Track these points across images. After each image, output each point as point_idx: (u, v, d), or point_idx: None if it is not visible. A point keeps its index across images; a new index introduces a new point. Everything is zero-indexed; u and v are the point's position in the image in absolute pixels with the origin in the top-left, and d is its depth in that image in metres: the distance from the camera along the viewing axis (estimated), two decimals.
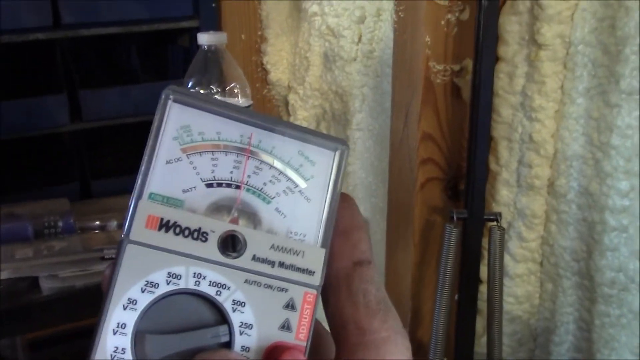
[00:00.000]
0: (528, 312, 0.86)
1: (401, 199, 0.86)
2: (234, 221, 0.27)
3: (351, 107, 1.13)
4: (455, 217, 0.78)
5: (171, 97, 0.27)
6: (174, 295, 0.26)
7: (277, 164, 0.28)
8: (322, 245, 0.28)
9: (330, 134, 1.20)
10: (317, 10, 1.13)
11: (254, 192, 0.27)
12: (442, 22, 0.77)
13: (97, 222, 1.04)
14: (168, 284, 0.25)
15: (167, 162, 0.27)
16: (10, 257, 0.93)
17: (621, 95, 0.71)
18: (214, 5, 1.18)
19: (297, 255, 0.27)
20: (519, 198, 0.83)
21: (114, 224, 1.05)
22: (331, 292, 0.28)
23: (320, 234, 0.28)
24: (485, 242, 0.82)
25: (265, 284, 0.27)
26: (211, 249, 0.26)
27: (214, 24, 1.19)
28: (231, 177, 0.27)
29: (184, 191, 0.27)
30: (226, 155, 0.27)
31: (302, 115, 1.23)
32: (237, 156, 0.27)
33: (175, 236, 0.26)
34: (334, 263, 0.28)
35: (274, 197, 0.28)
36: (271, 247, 0.27)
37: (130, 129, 1.18)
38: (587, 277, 0.78)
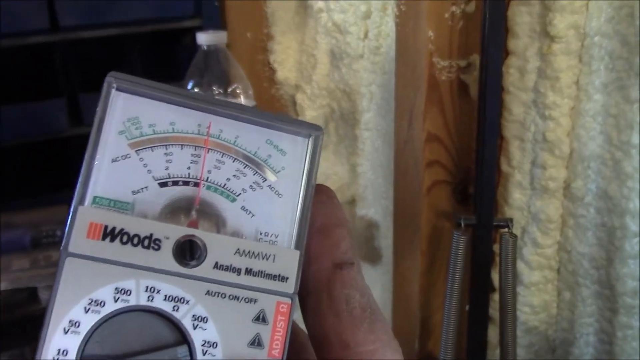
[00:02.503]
0: (545, 323, 0.81)
1: (407, 204, 0.81)
2: (193, 224, 0.23)
3: (359, 106, 1.08)
4: (463, 224, 0.73)
5: (114, 85, 0.23)
6: (124, 313, 0.22)
7: (242, 155, 0.24)
8: (297, 247, 0.24)
9: (338, 130, 1.16)
10: (322, 7, 1.09)
11: (215, 190, 0.24)
12: (447, 15, 0.72)
13: None
14: (116, 301, 0.22)
15: (113, 160, 0.23)
16: (6, 268, 0.91)
17: None
18: (216, 3, 1.14)
19: (267, 259, 0.23)
20: (533, 201, 0.77)
21: None
22: (309, 299, 0.24)
23: (294, 233, 0.24)
24: (497, 247, 0.77)
25: (230, 295, 0.23)
26: (165, 258, 0.22)
27: (218, 23, 1.15)
28: (189, 174, 0.24)
29: (134, 192, 0.23)
30: (182, 148, 0.24)
31: (310, 115, 1.19)
32: (195, 149, 0.24)
33: (122, 245, 0.22)
34: (312, 265, 0.24)
35: (239, 194, 0.24)
36: (236, 252, 0.23)
37: None
38: (607, 286, 0.73)
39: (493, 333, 0.83)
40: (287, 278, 0.24)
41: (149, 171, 0.24)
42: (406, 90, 0.76)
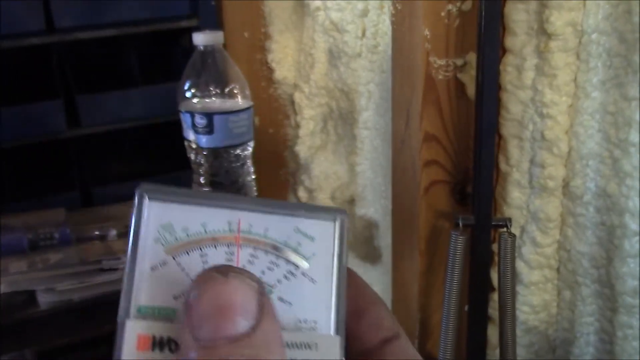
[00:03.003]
0: (545, 322, 0.80)
1: (405, 204, 0.81)
2: None
3: (357, 105, 1.08)
4: (461, 224, 0.72)
5: (145, 195, 0.24)
6: None
7: (273, 247, 0.25)
8: (337, 332, 0.24)
9: (337, 129, 1.15)
10: (320, 5, 1.08)
11: None
12: (443, 14, 0.72)
13: (96, 232, 1.01)
14: None
15: (152, 269, 0.24)
16: (4, 270, 0.91)
17: (639, 87, 0.64)
18: (213, 3, 1.14)
19: (310, 348, 0.24)
20: (531, 200, 0.77)
21: (113, 233, 1.01)
22: None
23: (332, 318, 0.24)
24: (496, 247, 0.76)
25: None
26: None
27: (215, 22, 1.15)
28: None
29: (176, 297, 0.24)
30: (216, 248, 0.24)
31: (309, 114, 1.19)
32: (228, 247, 0.24)
33: (171, 353, 0.22)
34: (359, 347, 0.24)
35: (275, 286, 0.24)
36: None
37: (130, 133, 1.15)
38: (607, 285, 0.72)
39: (493, 333, 0.82)
40: None
41: (187, 275, 0.24)
42: (403, 90, 0.76)
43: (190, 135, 0.97)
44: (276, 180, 1.27)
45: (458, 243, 0.71)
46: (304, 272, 0.25)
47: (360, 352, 0.24)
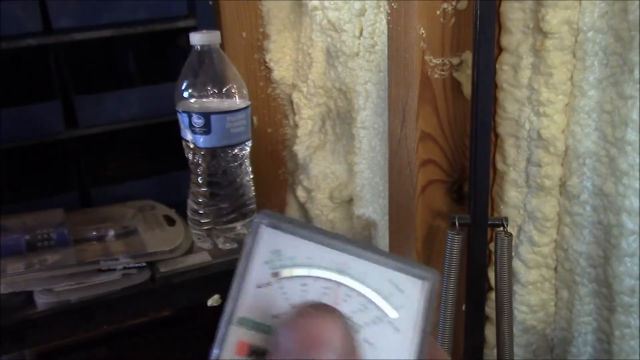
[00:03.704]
0: (543, 322, 0.80)
1: (402, 203, 0.81)
2: None
3: (355, 104, 1.08)
4: (457, 223, 0.72)
5: (264, 221, 0.27)
6: None
7: (367, 291, 0.27)
8: None
9: (335, 129, 1.15)
10: (317, 5, 1.08)
11: None
12: (438, 12, 0.71)
13: (94, 233, 1.01)
14: None
15: (258, 287, 0.26)
16: (2, 271, 0.91)
17: (636, 86, 0.64)
18: (210, 3, 1.14)
19: None
20: (528, 199, 0.76)
21: (111, 233, 1.01)
22: None
23: None
24: (493, 246, 0.76)
25: None
26: None
27: (212, 22, 1.15)
28: None
29: (274, 317, 0.26)
30: (315, 280, 0.27)
31: (307, 114, 1.18)
32: (327, 282, 0.27)
33: None
34: None
35: (362, 327, 0.26)
36: None
37: (129, 134, 1.15)
38: (605, 285, 0.72)
39: (490, 332, 0.82)
40: None
41: (287, 299, 0.26)
42: (399, 89, 0.76)
43: (188, 135, 0.97)
44: (274, 180, 1.27)
45: (454, 242, 0.71)
46: (390, 320, 0.27)
47: None
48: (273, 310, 0.26)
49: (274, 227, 0.27)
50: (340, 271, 0.27)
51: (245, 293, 0.26)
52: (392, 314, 0.27)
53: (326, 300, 0.26)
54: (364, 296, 0.27)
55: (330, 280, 0.27)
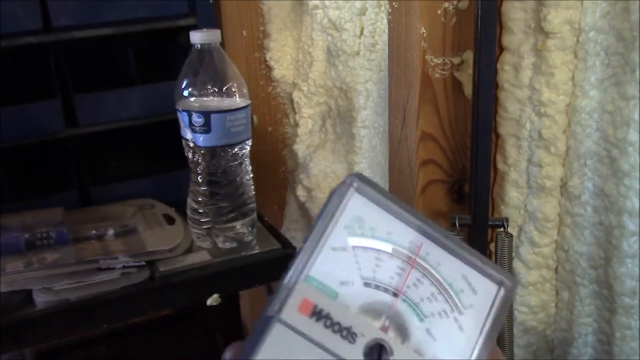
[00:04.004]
0: (544, 323, 0.80)
1: None
2: (384, 329, 0.25)
3: (356, 103, 1.07)
4: (457, 224, 0.72)
5: (354, 184, 0.26)
6: None
7: (440, 282, 0.26)
8: None
9: (336, 128, 1.15)
10: (318, 4, 1.08)
11: (409, 305, 0.26)
12: (439, 12, 0.71)
13: (93, 232, 1.01)
14: None
15: (333, 249, 0.25)
16: (1, 270, 0.90)
17: (637, 86, 0.64)
18: (211, 1, 1.13)
19: None
20: (529, 200, 0.76)
21: (110, 232, 1.01)
22: None
23: None
24: (493, 247, 0.76)
25: None
26: (356, 353, 0.24)
27: (212, 21, 1.14)
28: (391, 283, 0.26)
29: (341, 283, 0.25)
30: (391, 258, 0.26)
31: (308, 113, 1.18)
32: (402, 262, 0.26)
33: (325, 328, 0.24)
34: None
35: (428, 317, 0.26)
36: None
37: (129, 133, 1.15)
38: (605, 286, 0.72)
39: None
40: None
41: (359, 269, 0.26)
42: (399, 89, 0.75)
43: (188, 134, 0.96)
44: (275, 179, 1.27)
45: None
46: (456, 317, 0.26)
47: None
48: (342, 277, 0.25)
49: (363, 193, 0.26)
50: (418, 255, 0.26)
51: (320, 253, 0.25)
52: (460, 310, 0.26)
53: (397, 280, 0.25)
54: (435, 286, 0.26)
55: (405, 261, 0.26)
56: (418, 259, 0.26)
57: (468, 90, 0.75)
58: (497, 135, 0.77)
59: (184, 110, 0.95)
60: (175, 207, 1.09)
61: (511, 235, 0.71)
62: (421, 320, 0.25)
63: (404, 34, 0.73)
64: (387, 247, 0.26)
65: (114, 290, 0.92)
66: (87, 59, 1.18)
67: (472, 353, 0.25)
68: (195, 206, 1.00)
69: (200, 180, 0.99)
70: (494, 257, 0.75)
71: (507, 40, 0.73)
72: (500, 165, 0.78)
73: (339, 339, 0.24)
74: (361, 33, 1.01)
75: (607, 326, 0.72)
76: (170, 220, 1.06)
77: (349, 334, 0.24)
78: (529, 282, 0.78)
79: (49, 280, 0.91)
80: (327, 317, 0.24)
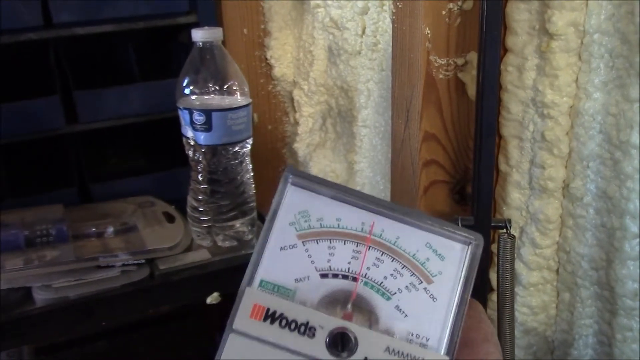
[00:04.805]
0: (544, 324, 0.80)
1: (404, 204, 0.80)
2: (348, 317, 0.25)
3: (356, 102, 1.07)
4: (460, 224, 0.71)
5: (290, 180, 0.26)
6: None
7: (401, 256, 0.25)
8: (447, 353, 0.24)
9: (336, 127, 1.15)
10: (319, 2, 1.07)
11: (372, 287, 0.25)
12: (444, 12, 0.71)
13: (93, 229, 1.01)
14: None
15: (282, 249, 0.25)
16: (0, 267, 0.90)
17: None
18: None
19: None
20: (531, 201, 0.76)
21: (110, 230, 1.01)
22: None
23: (446, 339, 0.25)
24: (495, 247, 0.76)
25: None
26: (318, 346, 0.24)
27: (213, 19, 1.14)
28: (348, 269, 0.25)
29: (297, 280, 0.25)
30: (345, 243, 0.25)
31: (308, 112, 1.18)
32: (357, 246, 0.25)
33: (280, 329, 0.24)
34: None
35: (394, 294, 0.25)
36: (386, 350, 0.24)
37: (130, 130, 1.15)
38: (607, 288, 0.72)
39: None
40: None
41: (312, 262, 0.25)
42: (403, 89, 0.75)
43: (189, 132, 0.96)
44: (275, 177, 1.27)
45: None
46: (426, 287, 0.25)
47: None
48: (297, 274, 0.25)
49: (301, 186, 0.26)
50: (372, 234, 0.25)
51: (268, 255, 0.25)
52: (429, 280, 0.25)
53: (355, 264, 0.25)
54: (398, 261, 0.25)
55: (360, 243, 0.25)
56: (373, 238, 0.26)
57: (472, 91, 0.75)
58: (500, 137, 0.77)
59: (185, 108, 0.95)
60: (176, 205, 1.09)
61: (514, 237, 0.71)
62: (388, 299, 0.25)
63: (408, 35, 0.73)
64: (338, 234, 0.25)
65: (113, 288, 0.92)
66: (88, 55, 1.17)
67: (449, 317, 0.25)
68: (196, 204, 1.00)
69: (200, 179, 0.98)
70: (496, 259, 0.75)
71: (511, 41, 0.73)
72: (503, 167, 0.78)
73: (297, 336, 0.23)
74: (363, 32, 1.01)
75: (608, 328, 0.72)
76: (170, 218, 1.06)
77: (307, 330, 0.24)
78: (530, 283, 0.78)
79: (49, 278, 0.91)
80: (282, 317, 0.24)
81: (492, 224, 0.72)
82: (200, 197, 0.99)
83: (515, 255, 0.78)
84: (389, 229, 0.26)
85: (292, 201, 0.26)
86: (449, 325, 0.25)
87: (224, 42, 0.99)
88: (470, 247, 0.26)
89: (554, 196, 0.74)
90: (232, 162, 0.99)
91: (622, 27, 0.65)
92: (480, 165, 0.70)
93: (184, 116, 0.96)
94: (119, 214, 1.06)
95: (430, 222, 0.26)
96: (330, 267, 0.25)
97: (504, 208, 0.79)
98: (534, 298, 0.79)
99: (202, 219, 1.00)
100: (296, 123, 1.21)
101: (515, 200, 0.77)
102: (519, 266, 0.78)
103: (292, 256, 0.25)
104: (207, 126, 0.95)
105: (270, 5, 1.18)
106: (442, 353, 0.24)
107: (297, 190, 0.26)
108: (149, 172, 1.16)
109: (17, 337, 0.91)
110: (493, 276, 0.81)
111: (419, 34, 0.71)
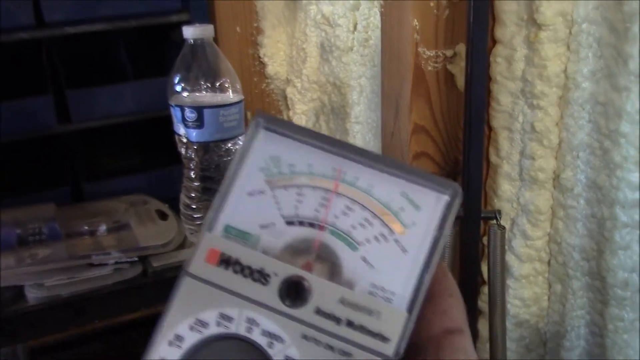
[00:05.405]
0: (536, 316, 0.80)
1: None
2: (308, 266, 0.24)
3: (349, 99, 1.07)
4: None
5: (261, 123, 0.25)
6: (222, 339, 0.23)
7: (373, 205, 0.24)
8: (409, 309, 0.23)
9: (329, 124, 1.15)
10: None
11: (339, 236, 0.24)
12: (432, 4, 0.71)
13: (86, 227, 1.00)
14: (218, 325, 0.23)
15: (249, 194, 0.24)
16: None
17: (630, 77, 0.64)
18: None
19: (372, 315, 0.23)
20: (522, 193, 0.76)
21: (103, 228, 1.01)
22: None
23: (409, 294, 0.23)
24: (486, 240, 0.75)
25: (325, 344, 0.23)
26: (270, 294, 0.23)
27: (206, 17, 1.14)
28: (316, 216, 0.24)
29: (262, 227, 0.24)
30: (314, 190, 0.24)
31: (301, 109, 1.18)
32: (327, 193, 0.24)
33: (234, 274, 0.23)
34: (422, 330, 0.24)
35: (362, 244, 0.24)
36: (340, 301, 0.23)
37: (122, 129, 1.15)
38: (598, 278, 0.72)
39: (483, 326, 0.82)
40: (388, 339, 0.23)
41: (279, 208, 0.24)
42: (392, 82, 0.75)
43: (181, 129, 0.96)
44: None
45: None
46: (397, 239, 0.24)
47: (420, 337, 0.24)
48: (262, 221, 0.24)
49: (273, 131, 0.25)
50: (344, 180, 0.24)
51: (234, 200, 0.24)
52: (400, 231, 0.24)
53: (322, 212, 0.24)
54: (369, 210, 0.24)
55: (330, 190, 0.24)
56: (344, 185, 0.24)
57: (461, 82, 0.75)
58: (490, 128, 0.77)
59: (176, 106, 0.95)
60: (169, 203, 1.09)
61: (504, 228, 0.71)
62: (354, 249, 0.24)
63: (397, 27, 0.73)
64: (308, 180, 0.24)
65: (106, 286, 0.92)
66: (80, 54, 1.17)
67: (417, 271, 0.23)
68: (189, 202, 1.00)
69: (193, 176, 0.98)
70: (486, 250, 0.75)
71: (499, 32, 0.73)
72: (493, 158, 0.78)
73: (250, 282, 0.23)
74: (355, 28, 1.01)
75: (600, 318, 0.72)
76: (163, 216, 1.06)
77: (261, 276, 0.23)
78: (522, 275, 0.78)
79: (41, 276, 0.91)
80: (236, 262, 0.23)
81: (482, 215, 0.71)
82: (193, 195, 0.99)
83: (507, 247, 0.78)
84: (363, 176, 0.24)
85: (262, 146, 0.25)
86: (416, 280, 0.23)
87: (217, 41, 0.99)
88: (448, 196, 0.24)
89: (545, 187, 0.74)
90: (225, 159, 0.99)
91: (609, 16, 0.65)
92: (470, 156, 0.70)
93: (175, 113, 0.96)
94: (112, 212, 1.06)
95: (406, 169, 0.24)
96: (297, 214, 0.24)
97: (495, 200, 0.79)
98: (525, 290, 0.79)
99: (195, 216, 1.00)
100: (290, 121, 1.21)
101: (506, 192, 0.77)
102: (510, 258, 0.78)
103: (259, 202, 0.24)
104: (199, 123, 0.95)
105: (263, 4, 1.18)
106: (404, 308, 0.23)
107: (269, 135, 0.25)
108: (142, 170, 1.16)
109: (9, 336, 0.91)
110: (484, 269, 0.80)
111: (407, 26, 0.71)
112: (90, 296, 0.91)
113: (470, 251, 0.72)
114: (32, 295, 0.90)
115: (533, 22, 0.70)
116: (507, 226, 0.77)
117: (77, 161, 1.13)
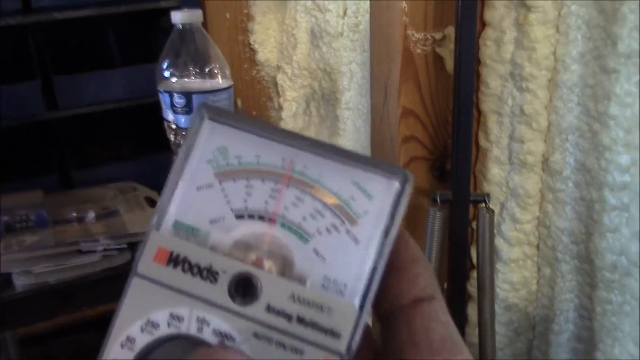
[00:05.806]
0: (525, 300, 0.80)
1: None
2: (259, 261, 0.23)
3: (340, 85, 1.07)
4: (439, 200, 0.71)
5: (206, 115, 0.24)
6: (174, 339, 0.22)
7: (323, 194, 0.23)
8: (361, 302, 0.22)
9: (320, 110, 1.14)
10: None
11: (290, 228, 0.23)
12: None
13: (74, 214, 1.00)
14: (169, 326, 0.22)
15: (198, 189, 0.24)
16: None
17: (619, 59, 0.63)
18: None
19: (322, 311, 0.22)
20: (511, 176, 0.76)
21: (91, 215, 1.00)
22: (390, 335, 0.23)
23: (362, 287, 0.23)
24: (475, 224, 0.75)
25: (277, 341, 0.22)
26: (219, 292, 0.22)
27: (195, 3, 1.13)
28: (265, 209, 0.23)
29: (212, 222, 0.23)
30: (263, 182, 0.23)
31: (292, 96, 1.17)
32: (276, 183, 0.23)
33: (183, 273, 0.23)
34: (392, 301, 0.23)
35: (313, 235, 0.23)
36: (290, 297, 0.22)
37: (111, 115, 1.14)
38: (586, 261, 0.72)
39: (472, 311, 0.82)
40: (339, 335, 0.22)
41: (228, 202, 0.23)
42: (381, 65, 0.75)
43: (169, 115, 0.95)
44: None
45: (436, 219, 0.71)
46: (349, 229, 0.23)
47: (391, 308, 0.23)
48: (211, 215, 0.23)
49: (219, 121, 0.24)
50: (292, 170, 0.24)
51: (183, 195, 0.23)
52: (353, 221, 0.23)
53: (272, 205, 0.23)
54: (318, 200, 0.23)
55: (279, 181, 0.23)
56: (293, 175, 0.23)
57: (450, 66, 0.74)
58: (479, 112, 0.76)
59: (165, 91, 0.94)
60: (158, 190, 1.08)
61: (493, 211, 0.71)
62: (306, 241, 0.23)
63: (386, 9, 0.72)
64: (257, 171, 0.24)
65: (94, 272, 0.92)
66: (68, 40, 1.16)
67: (370, 262, 0.23)
68: None
69: None
70: (475, 234, 0.75)
71: (489, 15, 0.72)
72: (482, 142, 0.77)
73: (199, 281, 0.22)
74: (344, 13, 1.01)
75: (588, 301, 0.72)
76: (152, 203, 1.05)
77: (210, 274, 0.22)
78: (511, 259, 0.78)
79: (28, 263, 0.90)
80: (185, 261, 0.23)
81: (471, 199, 0.71)
82: None
83: (496, 231, 0.78)
84: (312, 165, 0.23)
85: (209, 138, 0.24)
86: (368, 271, 0.23)
87: (206, 28, 0.99)
88: (399, 184, 0.23)
89: (534, 170, 0.74)
90: None
91: None
92: (459, 140, 0.69)
93: (164, 99, 0.95)
94: (100, 199, 1.05)
95: (357, 158, 0.23)
96: (246, 207, 0.23)
97: (485, 184, 0.78)
98: (514, 274, 0.79)
99: None
100: (280, 108, 1.20)
101: (496, 175, 0.77)
102: (499, 242, 0.78)
103: (208, 196, 0.23)
104: (188, 109, 0.94)
105: None
106: (355, 303, 0.23)
107: (215, 126, 0.24)
108: (131, 158, 1.16)
109: None
110: (474, 254, 0.80)
111: (396, 8, 0.71)
112: (78, 283, 0.91)
113: (459, 235, 0.72)
114: (20, 282, 0.89)
115: (522, 4, 0.69)
116: (497, 210, 0.77)
117: (65, 148, 1.13)
